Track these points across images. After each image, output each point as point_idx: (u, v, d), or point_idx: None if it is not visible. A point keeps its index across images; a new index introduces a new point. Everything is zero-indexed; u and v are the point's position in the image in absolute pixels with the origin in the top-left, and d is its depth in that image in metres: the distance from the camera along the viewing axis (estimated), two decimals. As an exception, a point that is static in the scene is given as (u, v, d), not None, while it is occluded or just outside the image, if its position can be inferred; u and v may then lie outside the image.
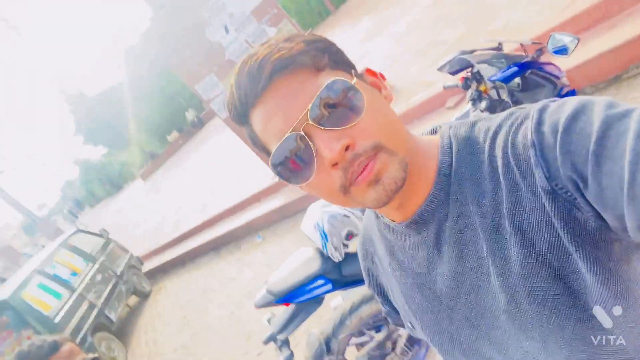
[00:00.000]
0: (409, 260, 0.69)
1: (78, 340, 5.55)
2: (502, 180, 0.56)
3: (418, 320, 0.73)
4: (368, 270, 0.85)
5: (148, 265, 8.58)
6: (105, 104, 28.29)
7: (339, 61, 0.62)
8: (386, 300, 0.85)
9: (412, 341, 2.28)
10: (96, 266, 7.00)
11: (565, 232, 0.51)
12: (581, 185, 0.48)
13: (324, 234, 2.06)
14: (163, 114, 24.96)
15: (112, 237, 8.18)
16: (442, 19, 6.29)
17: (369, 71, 0.66)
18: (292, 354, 2.18)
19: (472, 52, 2.33)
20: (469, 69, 2.37)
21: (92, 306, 6.26)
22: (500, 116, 0.61)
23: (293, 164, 0.58)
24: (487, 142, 0.59)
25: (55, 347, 1.08)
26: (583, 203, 0.49)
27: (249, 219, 6.34)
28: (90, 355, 1.09)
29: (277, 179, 6.25)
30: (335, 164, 0.55)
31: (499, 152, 0.57)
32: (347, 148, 0.55)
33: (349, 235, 2.06)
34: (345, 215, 2.07)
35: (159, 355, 5.45)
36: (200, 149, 16.85)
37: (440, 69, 2.40)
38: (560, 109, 0.52)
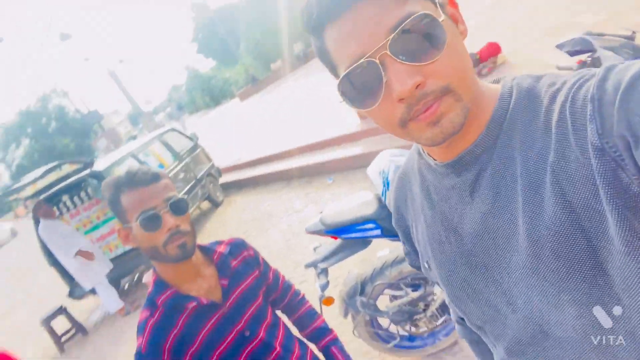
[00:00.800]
0: (442, 201, 0.71)
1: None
2: (553, 133, 0.56)
3: (436, 260, 0.76)
4: (397, 208, 0.87)
5: (225, 178, 9.14)
6: (223, 20, 29.27)
7: None
8: (408, 239, 0.87)
9: (444, 309, 2.30)
10: (181, 165, 7.60)
11: (606, 191, 0.50)
12: (632, 144, 0.47)
13: (387, 182, 2.08)
14: (272, 41, 25.44)
15: (200, 144, 8.75)
16: (584, 1, 5.67)
17: (451, 2, 0.64)
18: (327, 283, 2.30)
19: (599, 35, 2.12)
20: (589, 53, 2.17)
21: (169, 199, 6.87)
22: (564, 75, 0.60)
23: (360, 89, 0.59)
24: (548, 96, 0.59)
25: (157, 177, 1.19)
26: (631, 164, 0.48)
27: (325, 160, 6.47)
28: (182, 195, 1.20)
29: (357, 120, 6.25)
30: (402, 99, 0.56)
31: (557, 107, 0.57)
32: (417, 86, 0.55)
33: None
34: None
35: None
36: (299, 83, 17.11)
37: (558, 47, 2.22)
38: (628, 68, 0.50)
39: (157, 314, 1.19)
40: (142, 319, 1.21)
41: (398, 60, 0.55)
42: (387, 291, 2.40)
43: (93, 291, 5.78)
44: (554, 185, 0.55)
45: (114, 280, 6.22)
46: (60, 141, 47.33)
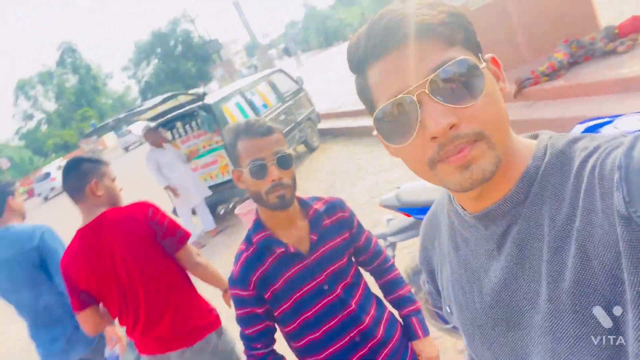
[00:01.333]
0: (468, 251, 0.72)
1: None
2: (581, 198, 0.55)
3: (458, 306, 0.77)
4: (425, 248, 0.88)
5: (324, 125, 9.30)
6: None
7: (472, 42, 0.62)
8: (433, 280, 0.88)
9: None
10: (283, 107, 7.87)
11: (629, 259, 0.49)
12: None
13: None
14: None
15: (304, 87, 8.91)
16: None
17: (494, 60, 0.65)
18: (394, 257, 2.35)
19: None
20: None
21: (268, 138, 7.20)
22: (603, 137, 0.57)
23: (395, 125, 0.60)
24: (579, 160, 0.58)
25: (271, 131, 1.33)
26: None
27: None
28: (289, 151, 1.34)
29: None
30: (434, 138, 0.57)
31: (586, 172, 0.56)
32: (451, 127, 0.56)
33: None
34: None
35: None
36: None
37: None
38: None
39: (251, 249, 1.36)
40: (239, 250, 1.39)
41: (435, 99, 0.56)
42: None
43: (193, 211, 6.43)
44: (578, 250, 0.54)
45: (212, 205, 6.84)
46: (184, 64, 50.93)
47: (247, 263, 1.35)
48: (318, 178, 6.96)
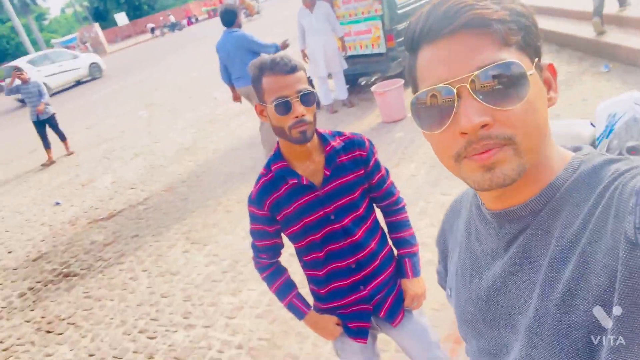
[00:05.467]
0: (477, 244, 0.74)
1: (399, 40, 6.26)
2: (595, 217, 0.55)
3: (456, 293, 0.81)
4: (443, 229, 0.90)
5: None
6: None
7: (530, 44, 0.59)
8: (444, 260, 0.91)
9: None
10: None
11: (624, 286, 0.49)
12: None
13: (611, 129, 1.77)
14: None
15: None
16: None
17: (551, 67, 0.64)
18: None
19: None
20: None
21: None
22: (639, 161, 0.56)
23: (430, 112, 0.61)
24: (606, 181, 0.57)
25: (295, 69, 1.35)
26: None
27: (612, 42, 5.27)
28: (311, 89, 1.38)
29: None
30: (464, 133, 0.57)
31: (608, 193, 0.55)
32: (484, 126, 0.56)
33: (632, 151, 1.74)
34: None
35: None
36: None
37: None
38: None
39: (269, 175, 1.48)
40: (260, 174, 1.52)
41: (474, 96, 0.56)
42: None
43: (330, 75, 6.58)
44: (578, 266, 0.55)
45: (355, 75, 6.89)
46: None
47: (264, 187, 1.48)
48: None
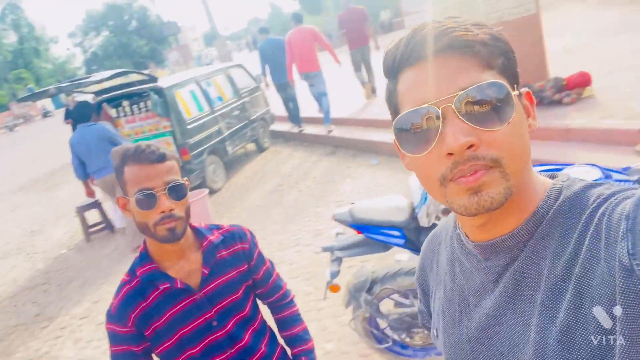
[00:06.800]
0: (463, 279, 0.71)
1: (194, 153, 6.33)
2: (586, 244, 0.55)
3: (444, 334, 0.76)
4: (423, 267, 0.87)
5: (276, 127, 9.21)
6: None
7: (509, 70, 0.61)
8: (425, 300, 0.87)
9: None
10: (238, 103, 7.71)
11: (625, 313, 0.48)
12: None
13: (426, 196, 2.05)
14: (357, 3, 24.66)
15: (262, 87, 8.80)
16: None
17: (529, 95, 0.65)
18: (338, 272, 2.33)
19: None
20: None
21: (219, 132, 7.01)
22: (619, 187, 0.58)
23: (413, 134, 0.59)
24: (592, 207, 0.57)
25: (163, 158, 1.20)
26: None
27: (377, 140, 6.39)
28: (183, 180, 1.24)
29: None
30: (451, 154, 0.55)
31: (595, 219, 0.55)
32: (470, 146, 0.55)
33: (447, 212, 2.03)
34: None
35: (243, 201, 6.11)
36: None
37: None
38: None
39: (134, 281, 1.26)
40: (121, 282, 1.29)
41: (459, 116, 0.55)
42: (394, 295, 2.41)
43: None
44: (574, 296, 0.54)
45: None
46: (136, 41, 48.67)
47: (127, 297, 1.25)
48: (265, 179, 6.86)
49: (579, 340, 0.53)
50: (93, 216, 6.48)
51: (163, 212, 1.17)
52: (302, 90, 8.24)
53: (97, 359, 3.58)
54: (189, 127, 6.36)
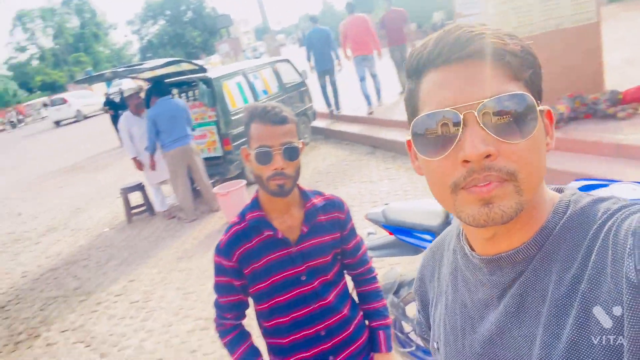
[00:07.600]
0: (466, 293, 0.69)
1: (236, 143, 6.46)
2: (592, 260, 0.53)
3: (445, 348, 0.74)
4: (422, 278, 0.85)
5: (318, 123, 9.25)
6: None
7: (535, 85, 0.60)
8: (425, 310, 0.86)
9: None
10: (283, 97, 7.79)
11: (631, 329, 0.47)
12: None
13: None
14: (411, 3, 24.32)
15: (307, 83, 8.86)
16: None
17: (549, 114, 0.63)
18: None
19: None
20: None
21: (261, 125, 7.10)
22: (626, 201, 0.57)
23: (431, 136, 0.58)
24: (599, 222, 0.56)
25: (285, 120, 1.32)
26: None
27: (419, 143, 6.29)
28: (298, 143, 1.35)
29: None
30: (467, 162, 0.54)
31: (602, 234, 0.54)
32: (488, 156, 0.54)
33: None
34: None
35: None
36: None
37: None
38: None
39: (242, 224, 1.41)
40: (232, 222, 1.44)
41: (480, 124, 0.54)
42: (421, 301, 2.39)
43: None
44: (581, 312, 0.53)
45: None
46: (190, 32, 50.15)
47: (235, 236, 1.39)
48: (303, 174, 6.85)
49: (584, 357, 0.52)
50: (136, 198, 6.74)
51: (276, 169, 1.30)
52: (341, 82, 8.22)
53: (129, 336, 3.73)
54: (233, 118, 6.49)
